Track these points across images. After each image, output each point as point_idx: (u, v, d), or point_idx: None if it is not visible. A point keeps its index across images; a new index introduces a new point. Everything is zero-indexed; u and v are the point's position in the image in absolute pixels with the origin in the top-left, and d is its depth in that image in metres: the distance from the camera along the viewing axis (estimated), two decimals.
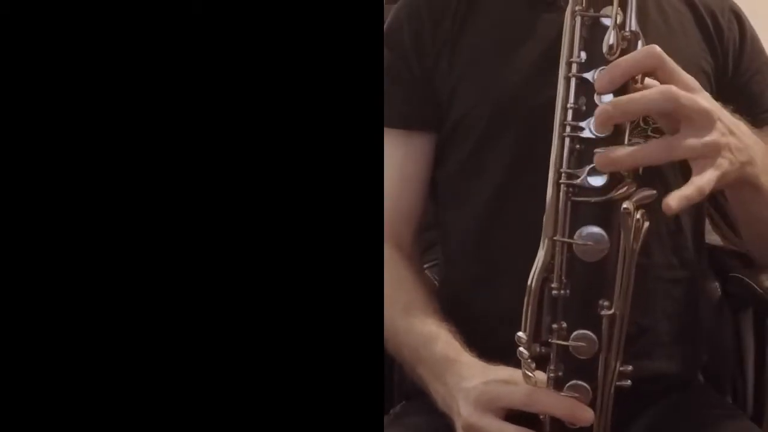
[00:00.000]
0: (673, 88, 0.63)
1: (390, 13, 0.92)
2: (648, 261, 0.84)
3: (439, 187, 0.91)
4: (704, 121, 0.64)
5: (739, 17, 0.92)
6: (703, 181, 0.64)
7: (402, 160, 0.89)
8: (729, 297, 0.99)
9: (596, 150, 0.63)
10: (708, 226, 0.95)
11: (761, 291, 0.94)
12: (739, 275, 0.96)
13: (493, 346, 0.75)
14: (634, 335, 0.68)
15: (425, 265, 1.00)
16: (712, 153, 0.64)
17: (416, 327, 0.81)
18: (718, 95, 0.87)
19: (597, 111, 0.63)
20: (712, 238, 0.98)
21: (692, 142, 0.63)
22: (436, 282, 0.98)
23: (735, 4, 0.93)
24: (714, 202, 0.96)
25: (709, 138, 0.64)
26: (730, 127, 0.67)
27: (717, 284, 0.99)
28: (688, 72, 0.84)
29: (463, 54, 0.87)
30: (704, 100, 0.65)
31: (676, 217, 0.86)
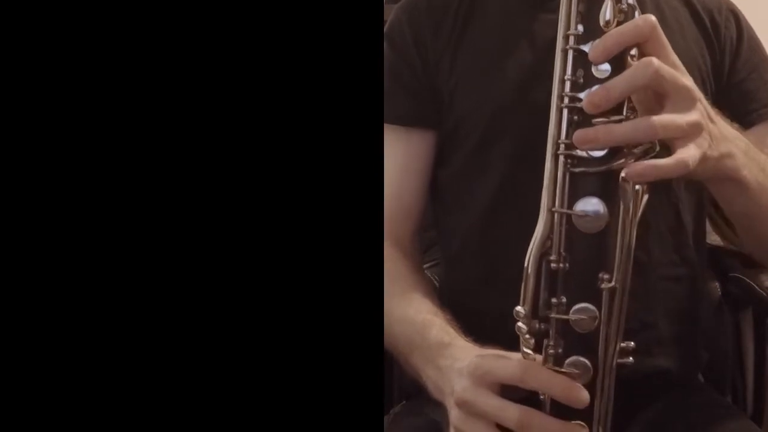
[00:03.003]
0: (653, 59, 0.61)
1: (390, 13, 0.92)
2: (649, 258, 0.84)
3: (439, 187, 0.91)
4: (686, 99, 0.62)
5: (736, 15, 0.92)
6: (686, 154, 0.61)
7: (402, 158, 0.90)
8: (729, 297, 0.99)
9: (594, 120, 0.62)
10: (708, 227, 0.95)
11: (761, 291, 0.94)
12: (739, 275, 0.96)
13: (493, 346, 0.75)
14: (634, 330, 0.67)
15: (425, 265, 1.01)
16: (695, 133, 0.62)
17: (411, 316, 0.80)
18: (714, 94, 0.87)
19: (584, 102, 0.61)
20: (712, 238, 0.98)
21: (676, 120, 0.61)
22: (436, 282, 0.98)
23: (732, 2, 0.93)
24: (714, 202, 0.96)
25: (691, 117, 0.62)
26: (710, 114, 0.66)
27: (717, 284, 0.99)
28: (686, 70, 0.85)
29: (465, 54, 0.87)
30: (686, 79, 0.63)
31: (678, 215, 0.86)
